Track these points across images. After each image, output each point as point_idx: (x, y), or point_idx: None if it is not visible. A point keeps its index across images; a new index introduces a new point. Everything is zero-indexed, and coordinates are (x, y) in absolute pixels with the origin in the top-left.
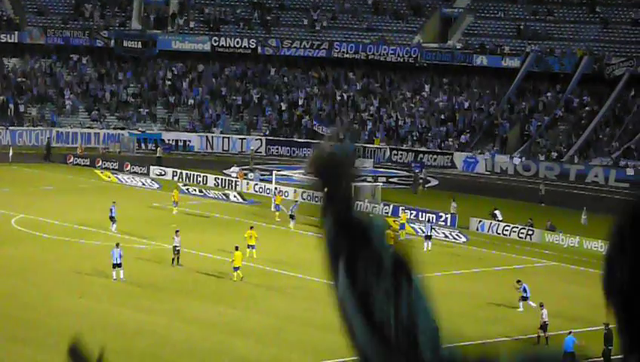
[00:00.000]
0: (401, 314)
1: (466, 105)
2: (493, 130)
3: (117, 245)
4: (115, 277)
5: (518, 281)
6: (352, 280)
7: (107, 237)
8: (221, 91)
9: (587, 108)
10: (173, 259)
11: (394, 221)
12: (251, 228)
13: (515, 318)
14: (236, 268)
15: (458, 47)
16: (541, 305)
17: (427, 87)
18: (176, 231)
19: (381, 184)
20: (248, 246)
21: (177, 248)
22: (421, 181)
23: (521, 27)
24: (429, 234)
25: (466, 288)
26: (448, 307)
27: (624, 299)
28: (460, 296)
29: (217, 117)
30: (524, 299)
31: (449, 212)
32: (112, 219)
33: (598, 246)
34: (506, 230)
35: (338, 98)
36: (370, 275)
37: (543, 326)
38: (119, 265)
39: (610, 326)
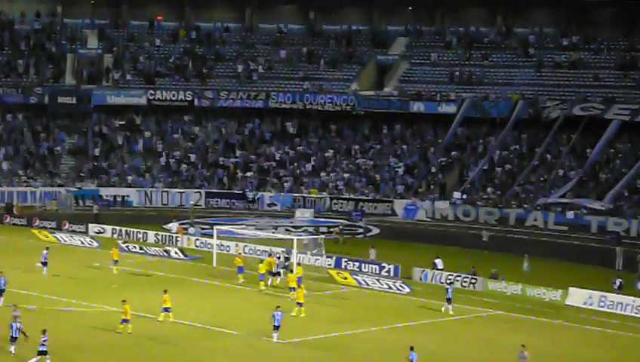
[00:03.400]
0: None
1: (405, 151)
2: (433, 176)
3: None
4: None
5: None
6: None
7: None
8: (158, 147)
9: (524, 151)
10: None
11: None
12: (165, 291)
13: None
14: (124, 321)
15: (395, 94)
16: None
17: (365, 135)
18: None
19: (323, 236)
20: (164, 309)
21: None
22: (341, 231)
23: (456, 73)
24: (449, 297)
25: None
26: None
27: None
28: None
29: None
30: None
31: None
32: (44, 264)
33: (541, 293)
34: (449, 279)
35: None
36: None
37: None
38: None
39: None
